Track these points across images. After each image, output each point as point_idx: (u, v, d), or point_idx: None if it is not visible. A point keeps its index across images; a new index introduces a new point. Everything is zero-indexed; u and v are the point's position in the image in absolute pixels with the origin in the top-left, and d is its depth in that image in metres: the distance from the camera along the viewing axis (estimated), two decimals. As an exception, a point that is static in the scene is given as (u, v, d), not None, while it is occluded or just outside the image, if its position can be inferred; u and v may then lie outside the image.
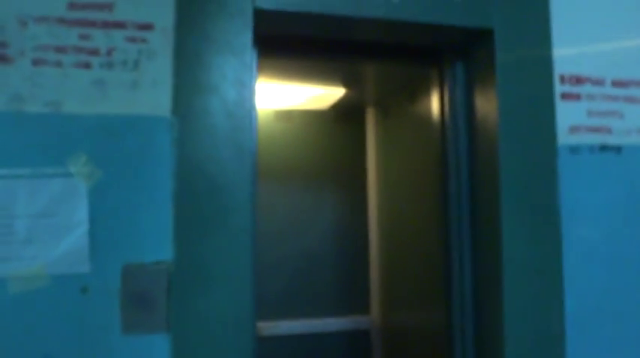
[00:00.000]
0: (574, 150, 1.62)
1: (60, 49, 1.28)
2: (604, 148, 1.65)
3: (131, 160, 1.31)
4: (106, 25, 1.32)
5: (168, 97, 1.33)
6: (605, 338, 1.62)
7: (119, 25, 1.33)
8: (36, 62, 1.27)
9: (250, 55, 1.38)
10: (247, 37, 1.38)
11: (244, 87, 1.37)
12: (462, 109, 1.74)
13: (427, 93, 1.96)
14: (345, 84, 2.42)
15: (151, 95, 1.32)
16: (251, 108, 1.39)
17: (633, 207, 1.67)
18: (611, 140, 1.66)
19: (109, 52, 1.31)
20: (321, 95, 2.53)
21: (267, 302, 2.72)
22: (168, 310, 1.31)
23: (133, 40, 1.33)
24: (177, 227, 1.32)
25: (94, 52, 1.30)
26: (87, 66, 1.30)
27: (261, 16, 1.41)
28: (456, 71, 1.75)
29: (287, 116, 2.88)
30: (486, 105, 1.61)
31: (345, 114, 2.95)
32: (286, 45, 1.69)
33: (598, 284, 1.62)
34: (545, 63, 1.60)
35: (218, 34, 1.36)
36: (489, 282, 1.61)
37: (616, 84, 1.68)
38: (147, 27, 1.34)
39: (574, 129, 1.62)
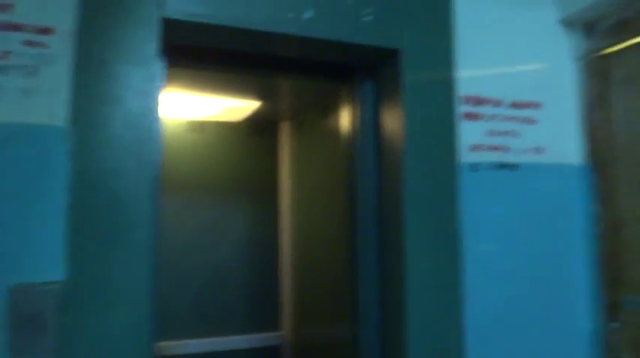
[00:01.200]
0: (474, 167, 1.69)
1: (-52, 51, 1.20)
2: (502, 166, 1.73)
3: (22, 172, 1.23)
4: (3, 26, 1.24)
5: (65, 106, 1.26)
6: (504, 349, 1.69)
7: (16, 28, 1.26)
8: None
9: (156, 65, 1.34)
10: (154, 46, 1.34)
11: (149, 97, 1.32)
12: (371, 126, 1.78)
13: (338, 110, 1.99)
14: (260, 97, 2.41)
15: (48, 103, 1.25)
16: (156, 119, 1.34)
17: (529, 222, 1.76)
18: (508, 158, 1.74)
19: (4, 55, 1.23)
20: (235, 107, 2.50)
21: (174, 319, 2.64)
22: (58, 332, 1.23)
23: (30, 43, 1.26)
24: (72, 244, 1.25)
25: (-13, 56, 1.22)
26: (-22, 69, 1.21)
27: (169, 26, 1.38)
28: (366, 89, 1.79)
29: (200, 127, 2.83)
30: (393, 122, 1.65)
31: (258, 127, 2.93)
32: (199, 56, 1.65)
33: (496, 297, 1.69)
34: (449, 84, 1.67)
35: (123, 41, 1.31)
36: (393, 297, 1.64)
37: (514, 105, 1.77)
38: (46, 31, 1.27)
39: (474, 148, 1.69)
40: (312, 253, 2.54)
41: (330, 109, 2.20)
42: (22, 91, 1.24)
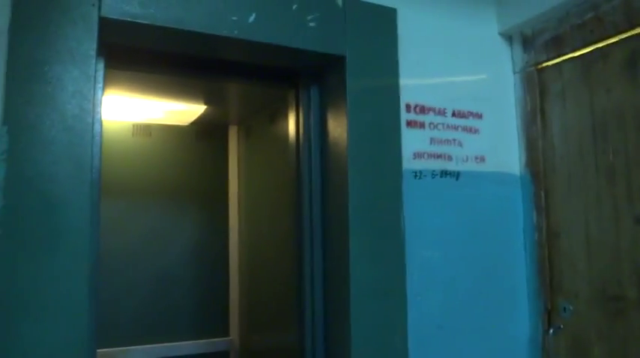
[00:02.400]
0: (417, 174, 1.71)
1: None
2: (445, 174, 1.76)
3: (-50, 173, 1.17)
4: None
5: (-3, 106, 1.21)
6: (445, 351, 1.72)
7: (-60, 24, 1.20)
8: None
9: (94, 66, 1.30)
10: (91, 46, 1.30)
11: (85, 99, 1.28)
12: (316, 132, 1.78)
13: (285, 115, 1.98)
14: (206, 101, 2.39)
15: (-23, 102, 1.20)
16: (93, 122, 1.30)
17: (469, 229, 1.79)
18: (450, 166, 1.78)
19: None
20: (181, 111, 2.47)
21: (118, 326, 2.57)
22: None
23: (-43, 40, 1.20)
24: (3, 248, 1.19)
25: None
26: None
27: (107, 26, 1.34)
28: (311, 94, 1.79)
29: (145, 130, 2.77)
30: (337, 128, 1.66)
31: (206, 132, 2.89)
32: (141, 57, 1.62)
33: (438, 302, 1.72)
34: (393, 91, 1.69)
35: (59, 41, 1.27)
36: (338, 303, 1.64)
37: (456, 114, 1.81)
38: (-26, 28, 1.22)
39: (418, 155, 1.72)
40: (260, 259, 2.52)
41: (277, 114, 2.20)
42: (-51, 90, 1.19)
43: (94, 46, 1.31)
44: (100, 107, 1.38)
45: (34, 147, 1.23)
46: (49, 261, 1.23)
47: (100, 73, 1.40)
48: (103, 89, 1.42)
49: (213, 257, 2.87)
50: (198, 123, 2.79)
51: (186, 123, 2.77)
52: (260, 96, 2.35)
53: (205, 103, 2.42)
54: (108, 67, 1.48)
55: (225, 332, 2.87)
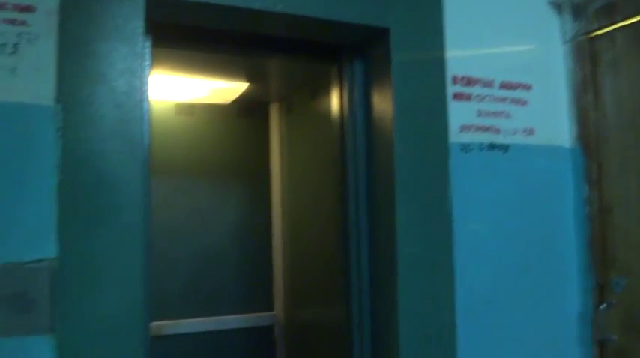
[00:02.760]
0: (465, 148, 1.68)
1: None
2: (492, 147, 1.73)
3: (10, 151, 1.21)
4: (-18, 5, 1.22)
5: (51, 85, 1.25)
6: (493, 327, 1.70)
7: (-4, 6, 1.24)
8: None
9: (142, 44, 1.32)
10: (138, 23, 1.32)
11: (134, 76, 1.31)
12: (361, 107, 1.77)
13: (327, 91, 1.98)
14: (249, 78, 2.40)
15: (32, 82, 1.24)
16: (143, 99, 1.33)
17: (518, 203, 1.76)
18: (499, 139, 1.74)
19: (-16, 35, 1.22)
20: (224, 89, 2.49)
21: (166, 300, 2.65)
22: (52, 310, 1.23)
23: (12, 22, 1.23)
24: (61, 223, 1.24)
25: (-32, 34, 1.20)
26: (-41, 48, 1.20)
27: (154, 4, 1.36)
28: (355, 69, 1.78)
29: (189, 109, 2.80)
30: (382, 103, 1.64)
31: (248, 110, 2.91)
32: (186, 35, 1.64)
33: (486, 276, 1.70)
34: (439, 64, 1.66)
35: (107, 19, 1.29)
36: (385, 277, 1.64)
37: (504, 86, 1.77)
38: (28, 9, 1.25)
39: (465, 128, 1.69)
40: (304, 234, 2.54)
41: (319, 90, 2.19)
42: (6, 70, 1.22)
43: (141, 23, 1.33)
44: (148, 85, 1.40)
45: (87, 124, 1.27)
46: (107, 236, 1.27)
47: (147, 51, 1.42)
48: (151, 67, 1.44)
49: (257, 233, 2.91)
50: (240, 101, 2.81)
51: (228, 102, 2.79)
52: (302, 73, 2.34)
53: (247, 81, 2.43)
54: (154, 45, 1.50)
55: (270, 307, 2.92)
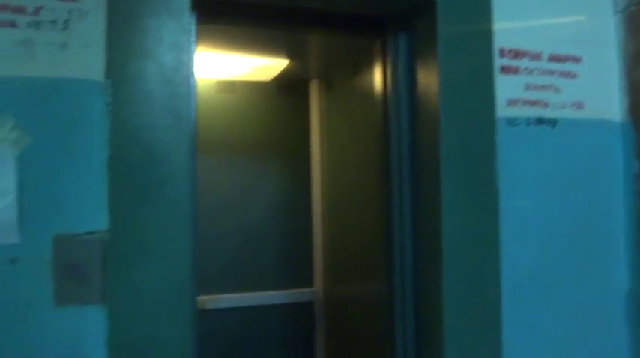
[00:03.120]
0: (511, 122, 1.65)
1: (-18, 6, 1.21)
2: (540, 121, 1.69)
3: (62, 126, 1.25)
4: (34, -19, 1.24)
5: (100, 60, 1.27)
6: (538, 304, 1.68)
7: (48, -17, 1.26)
8: (-44, 19, 1.19)
9: (189, 19, 1.33)
10: (185, -1, 1.33)
11: (182, 52, 1.32)
12: (405, 81, 1.75)
13: (370, 66, 1.96)
14: (289, 55, 2.39)
15: (82, 57, 1.26)
16: (189, 74, 1.34)
17: (566, 178, 1.72)
18: (547, 113, 1.70)
19: (36, 11, 1.24)
20: (265, 66, 2.49)
21: (209, 276, 2.70)
22: (103, 281, 1.27)
23: (61, -2, 1.26)
24: (112, 196, 1.27)
25: (20, 11, 1.23)
26: (12, 24, 1.22)
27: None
28: (399, 43, 1.75)
29: (229, 87, 2.82)
30: (428, 77, 1.62)
31: (288, 87, 2.91)
32: (227, 11, 1.64)
33: (532, 253, 1.67)
34: (486, 36, 1.62)
35: (154, -6, 1.31)
36: (429, 252, 1.63)
37: (553, 58, 1.72)
38: (78, -15, 1.27)
39: (512, 102, 1.65)
40: (345, 210, 2.55)
41: (360, 66, 2.17)
42: (57, 46, 1.25)
43: (188, -1, 1.33)
44: (194, 61, 1.41)
45: (136, 99, 1.29)
46: (156, 209, 1.29)
47: (193, 27, 1.43)
48: (196, 42, 1.45)
49: (297, 210, 2.93)
50: (280, 79, 2.81)
51: (268, 79, 2.79)
52: (343, 48, 2.32)
53: (288, 58, 2.43)
54: (198, 21, 1.50)
55: (309, 283, 2.95)
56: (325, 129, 2.84)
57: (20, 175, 1.22)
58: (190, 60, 1.35)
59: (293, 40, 2.20)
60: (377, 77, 1.88)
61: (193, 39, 1.41)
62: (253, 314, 2.83)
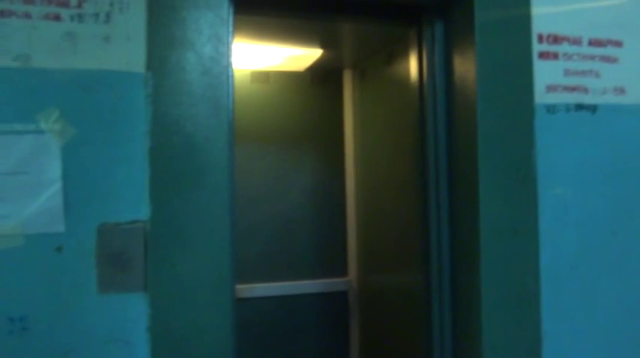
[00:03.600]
0: (550, 109, 1.62)
1: (28, 0, 1.23)
2: (580, 107, 1.66)
3: (105, 117, 1.27)
4: (76, -25, 1.27)
5: (142, 52, 1.29)
6: (578, 293, 1.65)
7: (89, -24, 1.28)
8: (2, 13, 1.22)
9: (227, 10, 1.34)
10: (223, -10, 1.34)
11: (221, 43, 1.33)
12: (441, 70, 1.73)
13: (405, 54, 1.95)
14: (323, 44, 2.39)
15: (125, 49, 1.28)
16: (228, 65, 1.35)
17: (607, 166, 1.69)
18: (586, 99, 1.67)
19: (79, 4, 1.26)
20: (299, 56, 2.49)
21: (244, 265, 2.73)
22: (145, 269, 1.30)
23: (104, -9, 1.28)
24: (153, 185, 1.30)
25: (64, 4, 1.25)
26: (56, 18, 1.25)
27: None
28: (435, 31, 1.73)
29: (264, 77, 2.84)
30: (465, 64, 1.60)
31: (321, 76, 2.92)
32: (263, 2, 1.64)
33: (572, 242, 1.65)
34: (524, 22, 1.60)
35: (193, -14, 1.32)
36: (467, 242, 1.62)
37: (593, 43, 1.68)
38: (118, -22, 1.29)
39: (551, 88, 1.63)
40: (379, 200, 2.54)
41: (395, 55, 2.16)
42: (100, 39, 1.27)
43: (226, -11, 1.34)
44: (231, 51, 1.42)
45: (176, 90, 1.30)
46: (196, 198, 1.31)
47: (231, 18, 1.44)
48: (233, 34, 1.46)
49: (331, 199, 2.94)
50: (313, 68, 2.82)
51: (302, 69, 2.80)
52: (377, 37, 2.31)
53: (321, 47, 2.43)
54: (236, 12, 1.51)
55: (344, 273, 2.96)
56: (359, 118, 2.84)
57: (64, 165, 1.26)
58: (228, 50, 1.37)
59: (327, 29, 2.19)
60: (412, 66, 1.87)
61: (231, 29, 1.42)
62: (288, 303, 2.86)
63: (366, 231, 2.79)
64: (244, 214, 2.76)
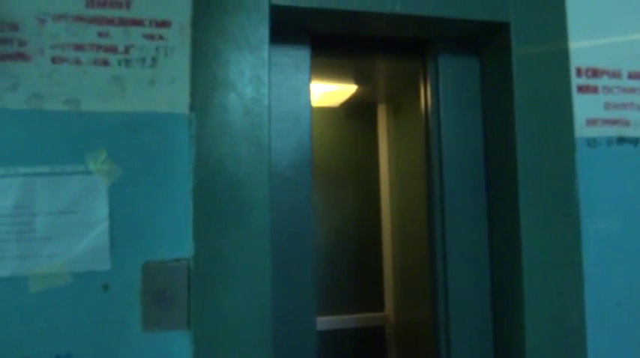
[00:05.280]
0: (591, 143, 1.61)
1: (78, 47, 1.29)
2: (622, 141, 1.64)
3: (150, 157, 1.31)
4: (124, 22, 1.32)
5: (186, 94, 1.33)
6: (625, 330, 1.61)
7: (136, 22, 1.33)
8: (54, 60, 1.27)
9: (267, 51, 1.38)
10: (264, 32, 1.37)
11: (261, 84, 1.36)
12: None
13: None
14: (357, 80, 2.42)
15: (169, 92, 1.32)
16: (268, 104, 1.38)
17: (652, 200, 1.66)
18: (628, 132, 1.65)
19: (126, 49, 1.31)
20: (333, 92, 2.53)
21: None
22: (188, 307, 1.31)
23: (150, 37, 1.33)
24: (196, 223, 1.32)
25: (112, 49, 1.30)
26: (105, 63, 1.30)
27: (277, 13, 1.41)
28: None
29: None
30: (502, 99, 1.60)
31: (356, 111, 2.95)
32: (302, 40, 1.68)
33: (617, 277, 1.61)
34: (562, 56, 1.59)
35: (235, 30, 1.36)
36: (509, 277, 1.60)
37: (633, 76, 1.67)
38: (164, 24, 1.34)
39: (591, 122, 1.61)
40: (415, 235, 2.53)
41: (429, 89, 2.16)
42: (146, 82, 1.32)
43: (267, 32, 1.38)
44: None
45: (219, 131, 1.33)
46: (238, 235, 1.33)
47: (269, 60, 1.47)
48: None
49: (367, 233, 2.94)
50: (347, 104, 2.85)
51: (337, 104, 2.84)
52: (410, 72, 2.33)
53: (356, 83, 2.46)
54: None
55: (381, 308, 2.93)
56: (394, 152, 2.85)
57: (111, 204, 1.29)
58: (268, 91, 1.40)
59: (361, 66, 2.23)
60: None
61: (269, 70, 1.45)
62: (325, 338, 2.83)
63: (402, 266, 2.77)
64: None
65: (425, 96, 1.87)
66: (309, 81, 1.60)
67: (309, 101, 1.59)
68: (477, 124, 1.73)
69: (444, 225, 1.72)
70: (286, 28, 1.54)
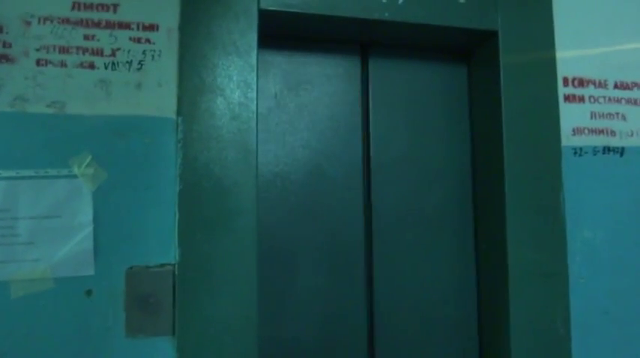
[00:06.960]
0: (577, 151, 1.62)
1: (64, 49, 1.27)
2: (607, 150, 1.65)
3: (136, 161, 1.30)
4: (111, 25, 1.31)
5: (173, 98, 1.32)
6: (610, 339, 1.62)
7: (123, 26, 1.32)
8: (39, 62, 1.26)
9: (255, 56, 1.37)
10: (252, 37, 1.37)
11: (249, 88, 1.35)
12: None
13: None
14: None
15: (156, 96, 1.31)
16: (255, 109, 1.37)
17: (636, 208, 1.66)
18: (614, 142, 1.66)
19: (113, 52, 1.30)
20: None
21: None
22: (173, 313, 1.30)
23: (137, 40, 1.32)
24: (181, 229, 1.31)
25: (98, 52, 1.29)
26: (91, 66, 1.29)
27: (266, 17, 1.41)
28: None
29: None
30: (489, 107, 1.61)
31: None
32: (293, 46, 1.68)
33: (603, 286, 1.62)
34: (549, 65, 1.61)
35: (223, 34, 1.35)
36: (495, 286, 1.60)
37: (619, 86, 1.68)
38: (151, 27, 1.33)
39: (577, 131, 1.63)
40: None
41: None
42: (132, 85, 1.30)
43: (255, 36, 1.37)
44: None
45: (206, 135, 1.32)
46: (224, 241, 1.32)
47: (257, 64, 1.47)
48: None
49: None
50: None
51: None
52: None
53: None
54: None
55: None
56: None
57: (96, 209, 1.27)
58: (256, 96, 1.39)
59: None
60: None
61: (258, 75, 1.45)
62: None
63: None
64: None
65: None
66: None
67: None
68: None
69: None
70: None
